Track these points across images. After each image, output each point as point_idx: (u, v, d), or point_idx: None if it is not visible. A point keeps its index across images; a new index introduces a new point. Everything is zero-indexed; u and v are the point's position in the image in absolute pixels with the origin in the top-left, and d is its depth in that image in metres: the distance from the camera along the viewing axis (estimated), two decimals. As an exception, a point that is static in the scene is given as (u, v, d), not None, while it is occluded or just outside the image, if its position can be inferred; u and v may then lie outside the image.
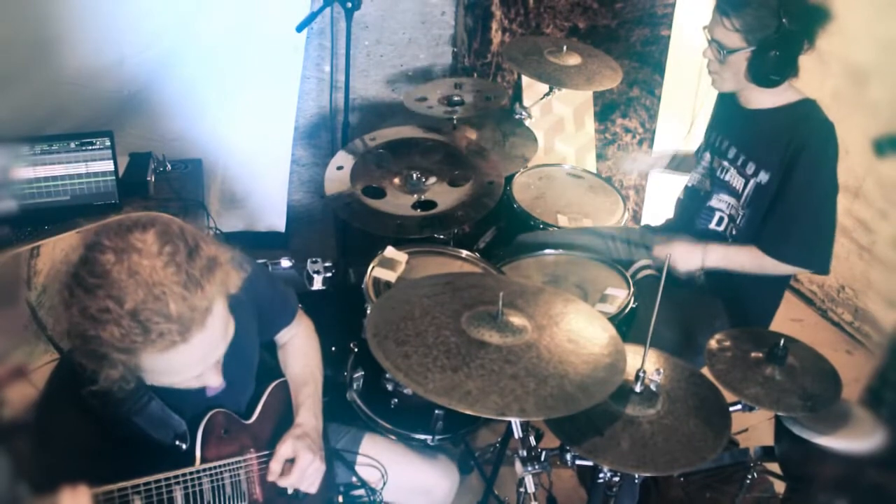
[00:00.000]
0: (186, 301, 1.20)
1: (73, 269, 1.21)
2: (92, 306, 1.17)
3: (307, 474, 1.59)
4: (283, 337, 1.84)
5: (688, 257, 2.22)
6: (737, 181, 2.23)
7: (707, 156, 2.36)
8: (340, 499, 1.80)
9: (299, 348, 1.84)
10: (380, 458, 1.84)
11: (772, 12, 2.00)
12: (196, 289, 1.22)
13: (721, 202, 2.29)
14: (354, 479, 1.82)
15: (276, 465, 1.57)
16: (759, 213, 2.19)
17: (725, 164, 2.27)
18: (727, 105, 2.33)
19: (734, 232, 2.27)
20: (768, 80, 2.10)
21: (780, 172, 2.11)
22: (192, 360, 1.28)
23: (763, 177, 2.16)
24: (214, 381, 1.38)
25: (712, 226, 2.31)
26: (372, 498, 1.80)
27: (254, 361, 1.68)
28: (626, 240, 2.58)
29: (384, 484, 1.82)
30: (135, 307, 1.17)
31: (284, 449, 1.59)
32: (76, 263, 1.21)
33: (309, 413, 1.70)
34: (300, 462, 1.58)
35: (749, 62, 2.08)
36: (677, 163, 2.64)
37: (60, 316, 1.22)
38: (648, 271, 2.38)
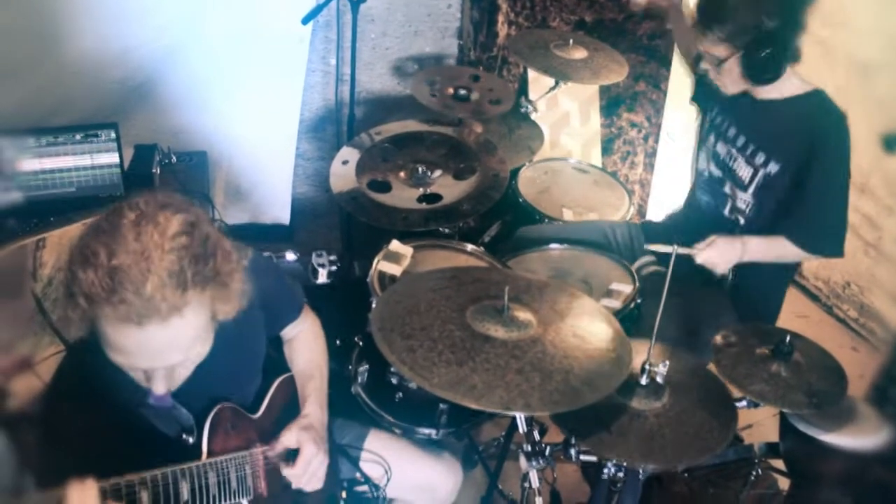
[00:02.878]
0: (163, 289, 1.19)
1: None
2: (89, 246, 1.20)
3: (311, 467, 1.59)
4: (289, 333, 1.83)
5: (728, 254, 2.17)
6: (744, 171, 2.22)
7: (712, 139, 2.34)
8: (344, 494, 1.80)
9: (305, 344, 1.84)
10: (384, 455, 1.84)
11: (750, 15, 2.00)
12: (178, 286, 1.21)
13: (729, 189, 2.28)
14: (358, 474, 1.82)
15: (277, 449, 1.57)
16: (769, 203, 2.18)
17: (734, 151, 2.26)
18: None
19: (742, 222, 2.26)
20: (765, 78, 2.09)
21: (795, 164, 2.10)
22: (139, 347, 1.24)
23: (773, 167, 2.15)
24: (158, 389, 1.33)
25: (724, 211, 2.30)
26: (375, 494, 1.80)
27: (260, 355, 1.68)
28: (628, 235, 2.57)
29: (388, 480, 1.82)
30: (118, 265, 1.17)
31: (288, 437, 1.59)
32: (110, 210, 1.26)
33: (315, 405, 1.70)
34: (304, 454, 1.58)
35: (741, 65, 2.08)
36: None
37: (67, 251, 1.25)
38: (654, 268, 2.37)
